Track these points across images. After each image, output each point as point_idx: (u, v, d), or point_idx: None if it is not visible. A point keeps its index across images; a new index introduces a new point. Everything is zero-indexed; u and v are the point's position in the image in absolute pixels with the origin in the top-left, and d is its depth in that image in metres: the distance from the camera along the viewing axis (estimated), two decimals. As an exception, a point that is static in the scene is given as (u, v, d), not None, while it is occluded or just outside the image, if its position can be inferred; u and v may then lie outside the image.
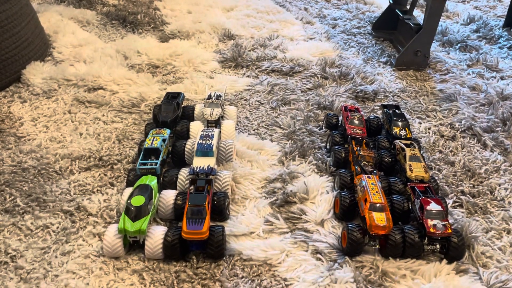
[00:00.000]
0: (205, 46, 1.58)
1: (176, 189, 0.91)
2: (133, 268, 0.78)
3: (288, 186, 0.96)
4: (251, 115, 1.23)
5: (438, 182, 0.99)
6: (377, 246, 0.81)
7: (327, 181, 0.97)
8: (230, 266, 0.79)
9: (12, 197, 0.91)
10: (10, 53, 1.26)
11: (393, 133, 1.04)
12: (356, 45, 1.65)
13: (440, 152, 1.11)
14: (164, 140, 0.97)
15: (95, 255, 0.80)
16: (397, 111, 1.11)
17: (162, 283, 0.76)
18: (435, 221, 0.79)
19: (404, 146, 0.97)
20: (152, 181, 0.86)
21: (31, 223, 0.86)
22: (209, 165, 0.90)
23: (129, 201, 0.81)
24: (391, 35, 1.70)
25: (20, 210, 0.89)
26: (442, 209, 0.80)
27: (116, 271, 0.78)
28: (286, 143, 1.10)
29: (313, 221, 0.88)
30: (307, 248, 0.83)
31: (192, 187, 0.87)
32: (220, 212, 0.86)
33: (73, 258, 0.80)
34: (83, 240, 0.83)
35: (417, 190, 0.86)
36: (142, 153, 0.94)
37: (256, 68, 1.46)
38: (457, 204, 0.95)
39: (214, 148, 0.94)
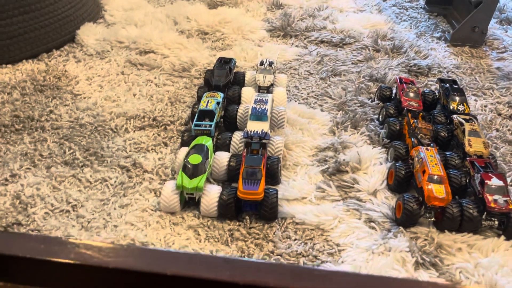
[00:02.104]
0: (253, 14, 1.57)
1: (229, 151, 0.92)
2: (188, 224, 0.80)
3: (340, 155, 0.95)
4: (300, 84, 1.22)
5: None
6: (433, 219, 0.80)
7: (379, 152, 0.96)
8: (282, 228, 0.80)
9: (72, 151, 0.94)
10: (66, 12, 1.29)
11: (451, 107, 1.01)
12: (408, 19, 1.59)
13: (497, 130, 1.07)
14: (218, 103, 0.97)
15: (151, 209, 0.82)
16: (454, 85, 1.08)
17: (216, 239, 0.78)
18: (496, 196, 0.77)
19: (463, 121, 0.94)
20: (207, 142, 0.87)
21: (90, 176, 0.89)
22: (263, 129, 0.91)
23: (186, 159, 0.82)
24: (445, 10, 1.64)
25: (79, 163, 0.92)
26: (504, 184, 0.78)
27: (172, 225, 0.80)
28: (337, 114, 1.09)
29: (365, 190, 0.87)
30: (360, 216, 0.82)
31: (246, 150, 0.88)
32: (273, 175, 0.87)
33: (131, 211, 0.82)
34: (140, 195, 0.86)
35: (477, 164, 0.84)
36: (197, 114, 0.94)
37: (305, 38, 1.44)
38: (515, 183, 0.92)
39: (268, 113, 0.94)
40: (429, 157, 0.82)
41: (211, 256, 0.45)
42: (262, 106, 0.95)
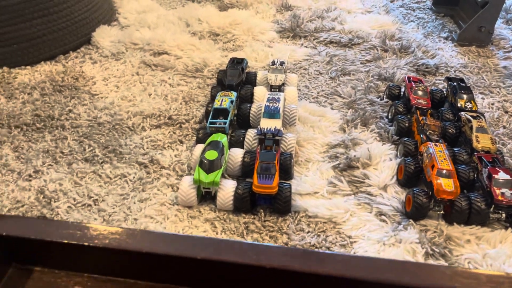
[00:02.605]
0: (263, 16, 1.60)
1: (243, 148, 0.95)
2: (205, 217, 0.83)
3: (350, 151, 0.98)
4: (310, 84, 1.25)
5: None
6: (442, 212, 0.82)
7: (389, 149, 0.98)
8: (296, 221, 0.83)
9: (91, 148, 0.98)
10: (82, 15, 1.33)
11: (458, 105, 1.04)
12: (416, 20, 1.62)
13: (504, 127, 1.09)
14: (232, 102, 1.01)
15: (170, 203, 0.86)
16: (462, 83, 1.10)
17: (232, 232, 0.81)
18: (503, 190, 0.79)
19: (470, 118, 0.96)
20: (222, 138, 0.90)
21: (110, 172, 0.92)
22: (276, 127, 0.94)
23: (203, 155, 0.86)
24: (452, 11, 1.66)
25: (99, 159, 0.95)
26: (510, 178, 0.81)
27: (189, 218, 0.83)
28: (347, 112, 1.12)
29: (376, 185, 0.90)
30: (371, 210, 0.85)
31: (259, 146, 0.91)
32: (286, 171, 0.90)
33: (150, 205, 0.85)
34: (158, 190, 0.89)
35: (485, 160, 0.86)
36: (211, 112, 0.98)
37: (314, 39, 1.47)
38: (522, 178, 0.94)
39: (281, 111, 0.97)
40: (437, 153, 0.85)
41: (237, 242, 0.48)
42: (274, 104, 0.98)
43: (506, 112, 1.15)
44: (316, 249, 0.78)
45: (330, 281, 0.41)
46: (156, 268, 0.46)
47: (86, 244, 0.45)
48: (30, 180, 0.89)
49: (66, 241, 0.45)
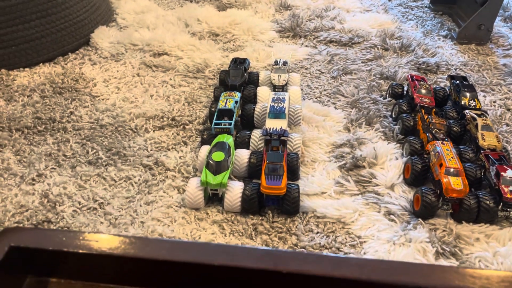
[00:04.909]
0: (262, 16, 1.59)
1: (248, 148, 0.94)
2: (213, 219, 0.82)
3: (356, 151, 0.98)
4: (312, 83, 1.24)
5: (507, 153, 0.98)
6: (450, 210, 0.82)
7: (395, 148, 0.98)
8: (304, 222, 0.83)
9: (94, 151, 0.97)
10: (81, 16, 1.31)
11: (462, 103, 1.04)
12: (414, 18, 1.62)
13: (507, 125, 1.10)
14: (236, 102, 1.00)
15: (176, 206, 0.85)
16: (465, 81, 1.10)
17: (241, 233, 0.80)
18: (511, 187, 0.79)
19: (475, 116, 0.96)
20: (228, 139, 0.90)
21: (114, 174, 0.91)
22: (281, 127, 0.93)
23: (209, 157, 0.85)
24: (450, 9, 1.67)
25: (103, 162, 0.94)
26: (519, 176, 0.81)
27: (197, 221, 0.82)
28: (351, 111, 1.11)
29: (383, 185, 0.90)
30: (379, 210, 0.85)
31: (266, 147, 0.90)
32: (293, 171, 0.89)
33: (157, 207, 0.84)
34: (164, 192, 0.88)
35: (492, 158, 0.86)
36: (216, 113, 0.97)
37: (314, 38, 1.46)
38: (527, 175, 0.94)
39: (286, 111, 0.97)
40: (445, 151, 0.85)
41: (253, 248, 0.48)
42: (280, 105, 0.97)
43: (508, 109, 1.16)
44: (325, 251, 0.77)
45: (345, 284, 0.40)
46: (172, 275, 0.45)
47: (102, 253, 0.44)
48: (33, 184, 0.88)
49: (81, 251, 0.45)
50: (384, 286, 0.40)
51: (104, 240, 0.45)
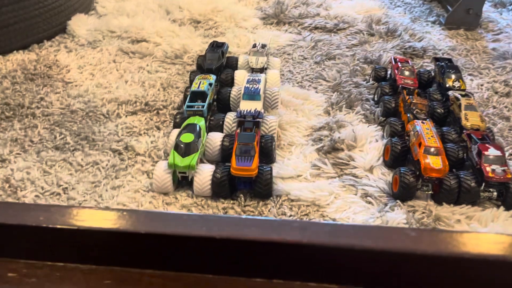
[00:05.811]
0: (246, 3, 1.55)
1: (222, 132, 0.91)
2: (181, 203, 0.78)
3: (335, 133, 0.94)
4: (294, 69, 1.20)
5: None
6: (430, 192, 0.78)
7: (375, 130, 0.94)
8: (277, 205, 0.79)
9: (62, 136, 0.93)
10: (56, 3, 1.27)
11: (447, 85, 1.00)
12: (403, 5, 1.58)
13: (494, 107, 1.06)
14: (210, 84, 0.96)
15: (144, 190, 0.81)
16: (449, 63, 1.07)
17: (210, 218, 0.76)
18: (493, 166, 0.76)
19: (459, 96, 0.93)
20: (200, 121, 0.86)
21: (81, 159, 0.87)
22: (256, 108, 0.89)
23: (178, 138, 0.81)
24: (439, -4, 1.63)
25: (70, 147, 0.90)
26: (501, 154, 0.77)
27: (165, 205, 0.78)
28: (332, 95, 1.07)
29: (361, 167, 0.86)
30: (356, 192, 0.81)
31: (239, 128, 0.87)
32: (267, 154, 0.85)
33: (123, 192, 0.81)
34: (132, 177, 0.84)
35: (474, 137, 0.83)
36: (189, 96, 0.93)
37: (298, 25, 1.42)
38: (513, 157, 0.90)
39: (261, 92, 0.93)
40: (425, 130, 0.81)
41: (186, 214, 0.44)
42: (254, 86, 0.94)
43: (496, 92, 1.12)
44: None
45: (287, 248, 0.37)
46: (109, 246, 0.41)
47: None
48: (-5, 170, 0.84)
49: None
50: (329, 250, 0.36)
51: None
